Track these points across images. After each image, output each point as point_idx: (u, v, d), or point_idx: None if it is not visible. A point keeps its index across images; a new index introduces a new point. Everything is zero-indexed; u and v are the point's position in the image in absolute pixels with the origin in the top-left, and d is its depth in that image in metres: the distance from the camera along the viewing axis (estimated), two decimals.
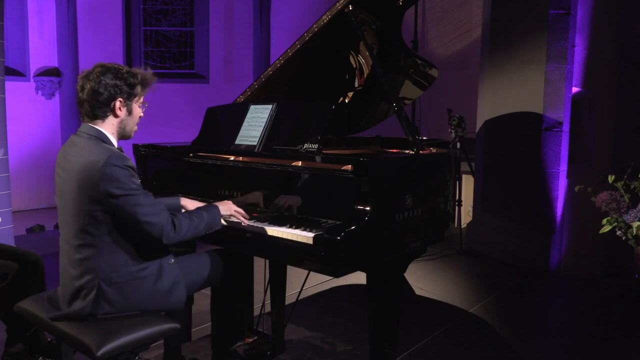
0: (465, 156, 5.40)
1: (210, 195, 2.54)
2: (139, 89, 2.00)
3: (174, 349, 2.50)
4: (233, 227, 2.22)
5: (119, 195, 1.81)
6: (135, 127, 2.06)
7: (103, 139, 1.94)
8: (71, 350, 2.05)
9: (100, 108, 1.93)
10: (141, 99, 2.04)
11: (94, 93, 1.91)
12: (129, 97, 1.97)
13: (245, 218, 2.17)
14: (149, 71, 2.07)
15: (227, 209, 2.15)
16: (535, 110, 4.61)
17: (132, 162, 1.89)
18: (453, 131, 5.11)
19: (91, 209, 1.83)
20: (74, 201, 1.86)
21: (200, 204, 2.26)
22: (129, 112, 2.00)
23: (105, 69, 1.93)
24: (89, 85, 1.91)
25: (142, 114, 2.06)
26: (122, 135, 2.04)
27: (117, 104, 1.95)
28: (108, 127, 1.97)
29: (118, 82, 1.93)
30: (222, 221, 2.15)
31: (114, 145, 1.97)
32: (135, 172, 1.89)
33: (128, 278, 1.91)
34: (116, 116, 1.96)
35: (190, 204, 2.33)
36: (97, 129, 1.95)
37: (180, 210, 2.30)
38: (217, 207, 2.11)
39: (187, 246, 2.50)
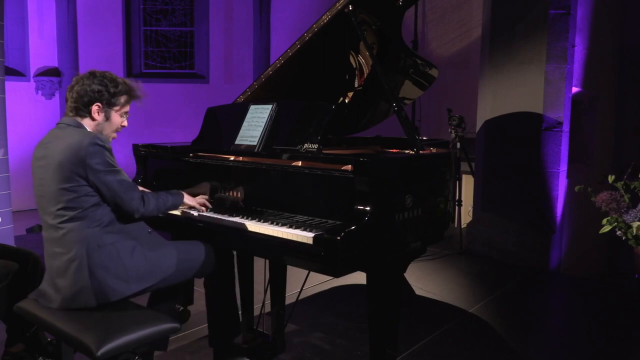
0: (465, 156, 5.40)
1: (211, 196, 2.54)
2: (121, 99, 2.15)
3: (147, 353, 2.46)
4: (233, 228, 2.22)
5: (101, 170, 1.97)
6: (114, 135, 2.20)
7: (81, 128, 2.10)
8: (71, 350, 2.05)
9: (80, 109, 2.10)
10: (123, 109, 2.18)
11: (78, 95, 2.09)
12: (108, 104, 2.12)
13: (206, 207, 2.35)
14: (140, 85, 2.23)
15: (190, 199, 2.32)
16: (535, 110, 4.61)
17: (109, 145, 2.06)
18: (453, 131, 5.11)
19: (74, 184, 1.96)
20: (56, 182, 1.97)
21: (200, 200, 2.40)
22: (107, 118, 2.14)
23: (93, 76, 2.11)
24: (76, 87, 2.10)
25: (125, 124, 2.21)
26: None
27: (95, 107, 2.10)
28: (87, 125, 2.12)
29: (101, 88, 2.09)
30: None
31: None
32: (112, 155, 2.04)
33: (115, 240, 2.03)
34: (93, 119, 2.12)
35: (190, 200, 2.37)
36: (77, 120, 2.11)
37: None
38: (182, 193, 2.29)
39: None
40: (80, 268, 1.95)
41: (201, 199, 2.38)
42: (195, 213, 2.38)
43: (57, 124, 2.13)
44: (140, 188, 2.32)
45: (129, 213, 2.06)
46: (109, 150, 2.03)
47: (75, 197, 1.96)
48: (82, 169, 1.95)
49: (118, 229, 2.07)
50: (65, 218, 1.98)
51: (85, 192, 1.97)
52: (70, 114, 2.12)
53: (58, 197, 1.97)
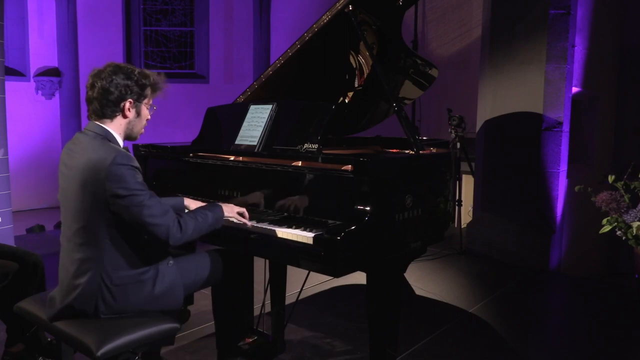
0: (465, 156, 5.40)
1: (211, 196, 2.54)
2: (149, 91, 1.99)
3: (154, 350, 2.44)
4: (233, 228, 2.22)
5: (124, 196, 1.79)
6: (142, 130, 2.05)
7: (109, 138, 1.93)
8: (71, 350, 2.05)
9: (109, 107, 1.91)
10: (150, 102, 2.03)
11: (105, 92, 1.89)
12: (138, 99, 1.96)
13: (247, 220, 2.15)
14: (161, 75, 2.07)
15: (230, 210, 2.12)
16: (535, 110, 4.61)
17: (137, 162, 1.88)
18: (453, 131, 5.10)
19: (94, 207, 1.82)
20: (77, 199, 1.84)
21: (202, 204, 2.27)
22: (138, 113, 1.98)
23: (117, 68, 1.92)
24: (99, 83, 1.89)
25: (149, 117, 2.05)
26: (129, 136, 2.03)
27: (127, 104, 1.93)
28: (115, 127, 1.96)
29: (129, 83, 1.92)
30: (228, 220, 2.15)
31: (119, 145, 1.96)
32: (140, 173, 1.87)
33: (128, 282, 1.90)
34: (125, 117, 1.95)
35: (193, 204, 2.34)
36: (104, 127, 1.93)
37: (184, 211, 2.30)
38: (220, 207, 2.09)
39: (187, 246, 2.50)
40: (85, 297, 1.87)
41: (243, 211, 2.16)
42: None
43: (84, 129, 1.96)
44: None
45: (162, 240, 1.86)
46: (136, 169, 1.84)
47: (95, 220, 1.82)
48: (102, 193, 1.79)
49: (137, 262, 1.91)
50: (82, 241, 1.85)
51: (105, 217, 1.82)
52: (95, 117, 1.94)
53: (78, 214, 1.85)
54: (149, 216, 1.81)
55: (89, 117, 1.97)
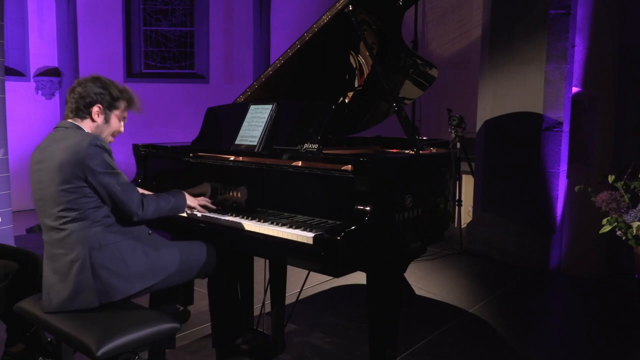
0: (465, 156, 5.40)
1: (211, 196, 2.54)
2: (121, 104, 2.18)
3: (159, 352, 2.45)
4: (233, 227, 2.22)
5: (100, 172, 1.97)
6: (111, 139, 2.21)
7: (81, 130, 2.11)
8: (71, 350, 2.05)
9: (81, 110, 2.11)
10: (123, 115, 2.20)
11: (80, 95, 2.10)
12: (109, 107, 2.14)
13: (207, 209, 2.35)
14: (139, 99, 2.26)
15: (192, 200, 2.32)
16: (535, 110, 4.61)
17: (109, 146, 2.06)
18: (453, 131, 5.11)
19: (74, 185, 1.96)
20: (55, 183, 1.97)
21: (201, 201, 2.38)
22: (106, 120, 2.15)
23: (96, 79, 2.14)
24: (78, 88, 2.11)
25: (121, 130, 2.22)
26: None
27: (96, 109, 2.11)
28: (86, 127, 2.13)
29: (103, 91, 2.12)
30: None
31: None
32: (111, 156, 2.04)
33: (116, 240, 2.03)
34: (93, 120, 2.13)
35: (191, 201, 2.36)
36: (75, 123, 2.11)
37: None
38: (184, 194, 2.28)
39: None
40: (82, 268, 1.95)
41: (202, 200, 2.37)
42: (198, 214, 2.38)
43: (55, 127, 2.14)
44: (141, 190, 2.32)
45: (128, 216, 2.06)
46: (109, 152, 2.03)
47: (75, 198, 1.96)
48: (81, 170, 1.95)
49: (119, 230, 2.07)
50: (66, 219, 1.97)
51: (85, 193, 1.97)
52: (70, 115, 2.12)
53: (58, 198, 1.97)
54: (118, 192, 2.01)
55: (65, 117, 2.15)
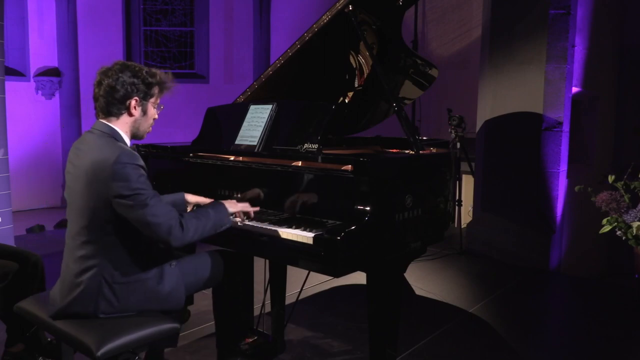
0: (465, 156, 5.40)
1: (211, 195, 2.53)
2: (156, 90, 1.99)
3: (158, 352, 2.41)
4: (233, 228, 2.22)
5: (127, 195, 1.77)
6: (149, 129, 2.04)
7: (115, 136, 1.92)
8: (71, 350, 2.05)
9: (115, 105, 1.91)
10: (157, 101, 2.02)
11: (111, 89, 1.89)
12: (144, 97, 1.95)
13: (250, 213, 2.13)
14: (169, 74, 2.07)
15: (232, 205, 2.09)
16: (535, 110, 4.61)
17: (141, 161, 1.87)
18: (453, 131, 5.10)
19: (98, 206, 1.81)
20: (82, 197, 1.85)
21: (204, 199, 2.29)
22: (144, 112, 1.97)
23: (124, 67, 1.92)
24: (106, 81, 1.89)
25: (156, 116, 2.04)
26: (135, 135, 2.02)
27: (133, 102, 1.92)
28: (121, 125, 1.95)
29: (136, 81, 1.91)
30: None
31: (126, 144, 1.96)
32: (145, 171, 1.86)
33: (130, 280, 1.90)
34: (130, 115, 1.94)
35: (193, 198, 2.33)
36: (110, 126, 1.93)
37: (185, 206, 2.29)
38: (223, 205, 2.05)
39: (187, 247, 2.49)
40: (86, 293, 1.87)
41: (246, 206, 2.13)
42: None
43: (92, 127, 1.95)
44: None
45: (163, 242, 1.84)
46: (140, 167, 1.82)
47: (98, 219, 1.83)
48: (106, 191, 1.78)
49: (139, 263, 1.91)
50: (86, 239, 1.85)
51: (109, 216, 1.81)
52: (101, 115, 1.93)
53: (82, 212, 1.85)
54: (151, 215, 1.79)
55: (96, 116, 1.96)
